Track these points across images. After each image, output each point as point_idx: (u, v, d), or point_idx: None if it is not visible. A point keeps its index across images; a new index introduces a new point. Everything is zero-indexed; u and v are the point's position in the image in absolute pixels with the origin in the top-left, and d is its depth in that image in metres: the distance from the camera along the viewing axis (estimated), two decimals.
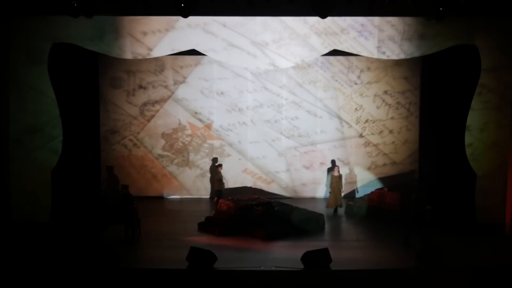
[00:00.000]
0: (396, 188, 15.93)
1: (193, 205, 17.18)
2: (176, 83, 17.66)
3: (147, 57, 14.83)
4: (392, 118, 17.76)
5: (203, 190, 17.98)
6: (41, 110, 14.25)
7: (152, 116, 17.77)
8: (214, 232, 14.18)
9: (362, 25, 14.42)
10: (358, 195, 17.32)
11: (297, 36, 14.56)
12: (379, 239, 13.90)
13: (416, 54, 14.63)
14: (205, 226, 14.58)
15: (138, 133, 17.81)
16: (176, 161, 17.96)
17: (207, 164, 17.89)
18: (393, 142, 17.86)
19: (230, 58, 14.94)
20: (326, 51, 14.78)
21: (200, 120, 17.83)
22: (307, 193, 17.94)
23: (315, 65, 17.54)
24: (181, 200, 17.84)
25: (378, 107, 17.75)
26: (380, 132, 17.84)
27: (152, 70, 17.54)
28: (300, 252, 11.97)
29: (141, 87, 17.62)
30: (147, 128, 17.80)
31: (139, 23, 14.34)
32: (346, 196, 17.30)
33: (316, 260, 11.85)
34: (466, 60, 14.48)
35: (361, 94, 17.71)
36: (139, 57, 14.81)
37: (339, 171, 16.26)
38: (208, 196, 17.87)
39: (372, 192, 16.07)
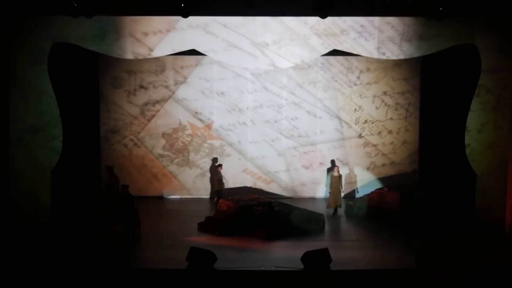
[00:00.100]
0: (396, 188, 15.94)
1: (193, 205, 17.19)
2: (177, 83, 17.68)
3: (148, 57, 14.83)
4: (391, 118, 17.80)
5: (203, 190, 17.99)
6: (42, 109, 14.26)
7: (153, 116, 17.79)
8: (214, 232, 14.18)
9: (362, 26, 14.43)
10: (358, 195, 17.34)
11: (297, 37, 14.57)
12: (379, 239, 13.91)
13: (416, 54, 14.63)
14: (205, 226, 14.58)
15: (139, 132, 17.83)
16: (176, 160, 17.98)
17: (207, 163, 17.90)
18: (392, 143, 17.90)
19: (231, 58, 14.95)
20: (326, 51, 14.79)
21: (201, 120, 17.85)
22: (306, 193, 17.96)
23: (315, 65, 17.57)
24: (181, 200, 17.85)
25: (377, 108, 17.78)
26: (379, 133, 17.88)
27: (153, 70, 17.57)
28: (300, 252, 11.98)
29: (141, 87, 17.65)
30: (147, 128, 17.82)
31: (140, 23, 14.35)
32: (346, 196, 17.33)
33: (316, 260, 11.85)
34: (466, 61, 14.48)
35: (360, 95, 17.74)
36: (140, 57, 14.81)
37: (338, 171, 16.27)
38: (208, 196, 17.88)
39: (372, 192, 16.09)
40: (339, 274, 11.61)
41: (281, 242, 13.60)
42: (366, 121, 17.84)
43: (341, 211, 16.20)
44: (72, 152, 14.60)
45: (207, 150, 17.95)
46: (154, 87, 17.67)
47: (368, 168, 17.90)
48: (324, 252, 12.00)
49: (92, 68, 15.37)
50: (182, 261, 11.98)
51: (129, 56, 14.61)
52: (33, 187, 14.26)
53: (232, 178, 17.83)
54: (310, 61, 16.75)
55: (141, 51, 14.53)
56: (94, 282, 11.39)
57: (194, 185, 18.00)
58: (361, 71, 17.64)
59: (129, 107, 17.70)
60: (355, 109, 17.80)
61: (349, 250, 13.12)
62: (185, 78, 17.66)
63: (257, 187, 17.91)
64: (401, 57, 14.70)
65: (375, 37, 14.50)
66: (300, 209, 15.11)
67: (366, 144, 17.92)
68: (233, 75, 17.64)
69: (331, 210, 16.05)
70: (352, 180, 17.86)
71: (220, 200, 15.22)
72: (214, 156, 17.85)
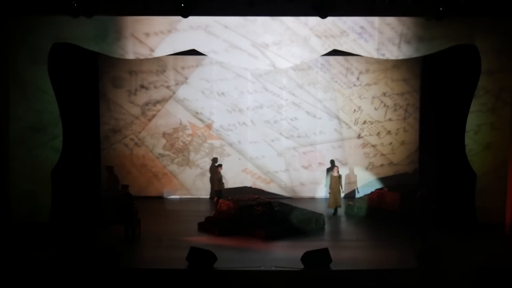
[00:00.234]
0: (396, 188, 15.95)
1: (193, 205, 17.20)
2: (178, 83, 17.70)
3: (149, 57, 14.85)
4: (390, 119, 17.84)
5: (203, 190, 18.00)
6: (42, 109, 14.25)
7: (154, 116, 17.81)
8: (214, 232, 14.19)
9: (362, 27, 14.43)
10: (358, 195, 17.35)
11: (298, 38, 14.58)
12: (379, 239, 13.91)
13: (416, 55, 14.64)
14: (205, 226, 14.58)
15: (140, 132, 17.85)
16: (176, 160, 17.99)
17: (207, 163, 17.92)
18: (390, 143, 17.92)
19: (231, 59, 14.96)
20: (326, 52, 14.80)
21: (201, 120, 17.86)
22: (305, 193, 17.98)
23: (315, 66, 17.59)
24: (181, 200, 17.86)
25: (376, 109, 17.81)
26: (378, 133, 17.91)
27: (154, 70, 17.60)
28: (300, 252, 11.98)
29: (143, 87, 17.67)
30: (148, 128, 17.84)
31: (141, 24, 14.35)
32: (346, 196, 17.34)
33: (316, 260, 11.85)
34: (466, 62, 14.48)
35: (360, 96, 17.76)
36: (141, 57, 14.83)
37: (338, 172, 16.27)
38: (208, 196, 17.90)
39: (372, 192, 16.10)
40: (339, 274, 11.61)
41: (281, 242, 13.61)
42: (365, 122, 17.86)
43: (341, 211, 16.20)
44: (72, 152, 14.60)
45: (207, 150, 17.96)
46: (155, 87, 17.69)
47: (367, 168, 17.92)
48: (324, 252, 12.00)
49: (92, 68, 15.38)
50: (182, 261, 11.98)
51: (131, 56, 14.62)
52: (33, 187, 14.24)
53: (232, 178, 17.84)
54: (310, 62, 16.75)
55: (142, 51, 14.54)
56: (94, 282, 11.39)
57: (194, 184, 18.02)
58: (360, 72, 17.66)
59: (130, 106, 17.72)
60: (354, 110, 17.82)
61: (349, 250, 13.12)
62: (186, 78, 17.68)
63: (256, 187, 17.92)
64: (401, 57, 14.71)
65: (374, 38, 14.51)
66: (300, 209, 15.11)
67: (365, 145, 17.95)
68: (234, 76, 17.66)
69: (331, 210, 16.05)
70: (351, 180, 17.88)
71: (220, 200, 15.22)
72: (214, 156, 17.86)
